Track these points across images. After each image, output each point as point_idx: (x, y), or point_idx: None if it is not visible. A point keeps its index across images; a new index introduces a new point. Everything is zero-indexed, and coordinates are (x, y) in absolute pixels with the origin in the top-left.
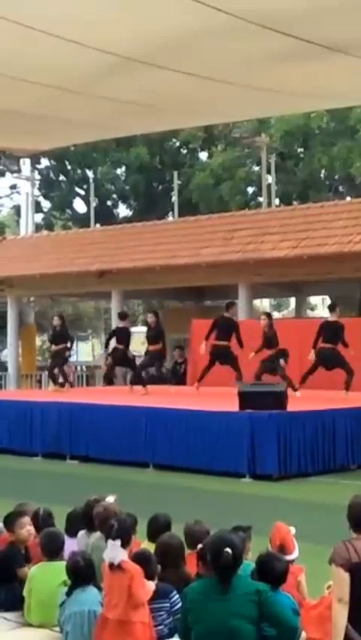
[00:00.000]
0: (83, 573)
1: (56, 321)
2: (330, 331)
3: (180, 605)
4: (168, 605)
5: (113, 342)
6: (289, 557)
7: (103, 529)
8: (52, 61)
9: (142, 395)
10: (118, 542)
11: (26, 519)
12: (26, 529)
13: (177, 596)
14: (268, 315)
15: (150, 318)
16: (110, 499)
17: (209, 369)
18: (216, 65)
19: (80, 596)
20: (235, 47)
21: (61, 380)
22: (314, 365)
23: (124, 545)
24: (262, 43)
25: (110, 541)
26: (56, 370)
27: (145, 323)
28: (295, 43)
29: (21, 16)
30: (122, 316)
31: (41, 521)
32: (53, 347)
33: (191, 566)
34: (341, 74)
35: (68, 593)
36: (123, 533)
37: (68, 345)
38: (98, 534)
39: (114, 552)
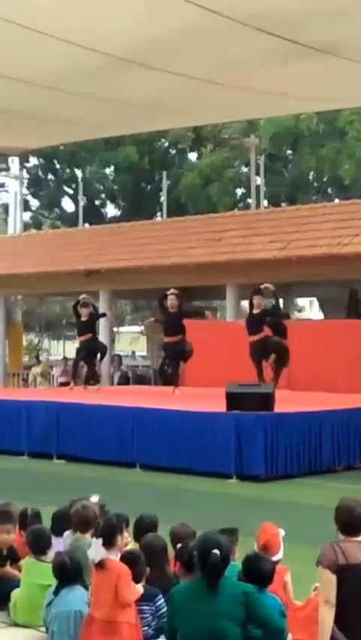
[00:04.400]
0: (69, 572)
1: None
2: None
3: (165, 609)
4: (153, 608)
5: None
6: (272, 559)
7: (81, 528)
8: (43, 61)
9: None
10: (100, 541)
11: (7, 526)
12: (4, 536)
13: (163, 599)
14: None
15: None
16: (94, 498)
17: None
18: (206, 66)
19: (66, 596)
20: (225, 49)
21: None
22: None
23: (107, 544)
24: (253, 45)
25: (93, 540)
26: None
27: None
28: (284, 44)
29: (12, 14)
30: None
31: (29, 521)
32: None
33: (176, 567)
34: (330, 76)
35: (55, 593)
36: (106, 533)
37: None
38: (77, 534)
39: (95, 551)
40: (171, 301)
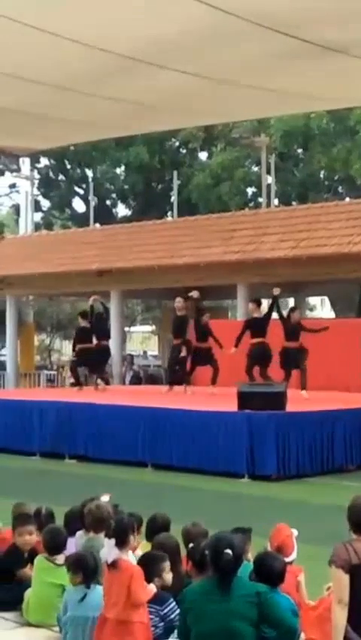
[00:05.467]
0: (90, 569)
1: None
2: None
3: (174, 614)
4: (162, 611)
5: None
6: (286, 559)
7: (95, 528)
8: (53, 60)
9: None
10: (112, 542)
11: (29, 528)
12: (26, 538)
13: (173, 604)
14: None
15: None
16: (105, 498)
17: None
18: (217, 65)
19: (87, 598)
20: (235, 47)
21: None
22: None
23: (119, 545)
24: (263, 44)
25: (105, 540)
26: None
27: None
28: (295, 43)
29: (22, 14)
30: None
31: (44, 520)
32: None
33: (188, 567)
34: (341, 75)
35: (80, 595)
36: (119, 533)
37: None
38: (90, 534)
39: (107, 551)
40: (177, 304)
